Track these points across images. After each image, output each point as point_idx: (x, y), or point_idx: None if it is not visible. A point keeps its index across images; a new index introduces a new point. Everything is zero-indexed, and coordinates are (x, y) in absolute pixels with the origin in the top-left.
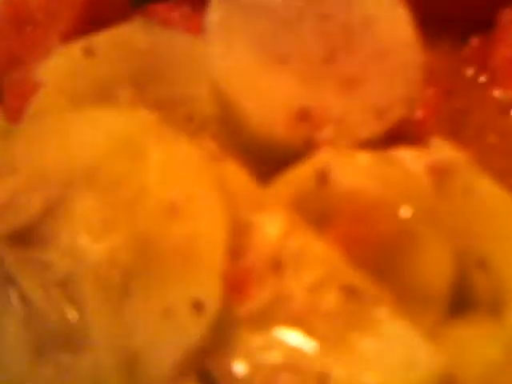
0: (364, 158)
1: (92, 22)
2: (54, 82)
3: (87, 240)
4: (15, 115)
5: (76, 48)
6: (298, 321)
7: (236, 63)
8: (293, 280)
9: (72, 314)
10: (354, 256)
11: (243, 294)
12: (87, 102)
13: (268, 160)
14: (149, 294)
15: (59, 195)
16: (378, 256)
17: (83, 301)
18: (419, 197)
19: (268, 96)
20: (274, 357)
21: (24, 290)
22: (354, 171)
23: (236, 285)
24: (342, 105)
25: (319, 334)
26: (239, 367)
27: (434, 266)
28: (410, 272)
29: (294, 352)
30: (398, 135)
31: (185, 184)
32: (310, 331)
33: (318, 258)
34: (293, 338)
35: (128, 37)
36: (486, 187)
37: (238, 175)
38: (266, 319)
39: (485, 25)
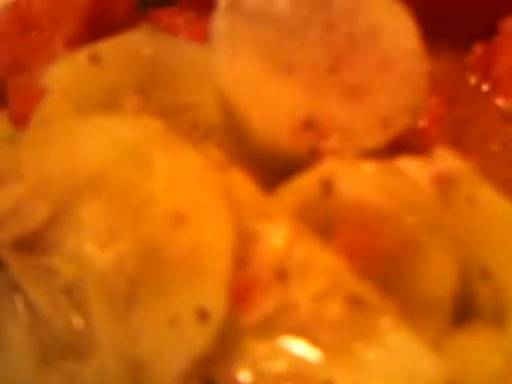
0: (369, 168)
1: (96, 26)
2: (60, 89)
3: (93, 247)
4: (20, 120)
5: (82, 55)
6: (302, 330)
7: (241, 71)
8: (297, 289)
9: (77, 322)
10: (359, 265)
11: (248, 302)
12: (93, 109)
13: (273, 169)
14: (154, 302)
15: (65, 202)
16: (382, 265)
17: (89, 308)
18: (423, 206)
19: (273, 105)
20: (279, 366)
21: (29, 297)
22: (359, 181)
23: (241, 293)
24: (346, 114)
25: (323, 343)
26: (243, 376)
27: (438, 276)
28: (414, 282)
29: (299, 361)
30: (401, 144)
31: (190, 192)
32: (314, 340)
33: (322, 268)
34: (297, 347)
35: (134, 44)
36: (489, 197)
37: (243, 184)
38: (270, 328)
39: (488, 33)
